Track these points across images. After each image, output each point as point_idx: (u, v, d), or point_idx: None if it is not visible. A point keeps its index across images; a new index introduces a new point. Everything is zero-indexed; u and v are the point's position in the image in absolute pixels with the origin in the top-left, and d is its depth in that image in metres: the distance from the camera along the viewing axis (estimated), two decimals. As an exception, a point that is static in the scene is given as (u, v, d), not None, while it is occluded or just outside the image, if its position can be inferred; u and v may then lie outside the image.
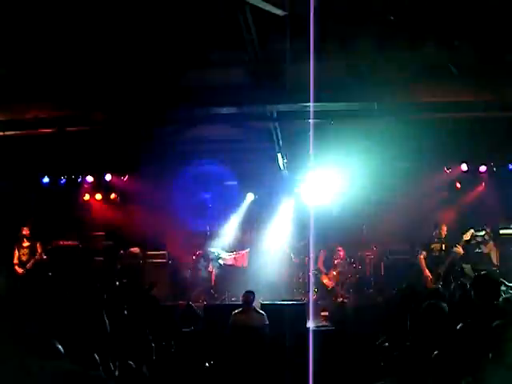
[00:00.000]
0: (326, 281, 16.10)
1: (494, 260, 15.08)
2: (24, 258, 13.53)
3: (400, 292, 6.81)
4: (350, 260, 16.58)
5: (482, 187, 16.62)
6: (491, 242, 15.15)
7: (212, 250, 17.35)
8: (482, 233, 15.15)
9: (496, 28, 7.93)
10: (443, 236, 14.24)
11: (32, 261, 13.64)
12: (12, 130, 11.55)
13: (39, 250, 13.77)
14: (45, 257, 13.98)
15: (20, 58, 9.06)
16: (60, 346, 3.45)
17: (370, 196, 16.56)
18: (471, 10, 7.74)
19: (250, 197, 18.01)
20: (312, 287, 16.17)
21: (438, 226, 14.43)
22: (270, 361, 10.49)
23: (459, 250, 13.75)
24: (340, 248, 16.74)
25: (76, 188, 17.18)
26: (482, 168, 15.74)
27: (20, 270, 13.40)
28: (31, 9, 8.10)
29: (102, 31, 8.25)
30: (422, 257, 14.11)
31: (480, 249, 15.09)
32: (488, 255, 15.10)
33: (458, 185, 16.66)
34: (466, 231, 14.39)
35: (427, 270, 13.85)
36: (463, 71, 9.69)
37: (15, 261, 13.44)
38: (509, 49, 8.83)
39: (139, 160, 15.98)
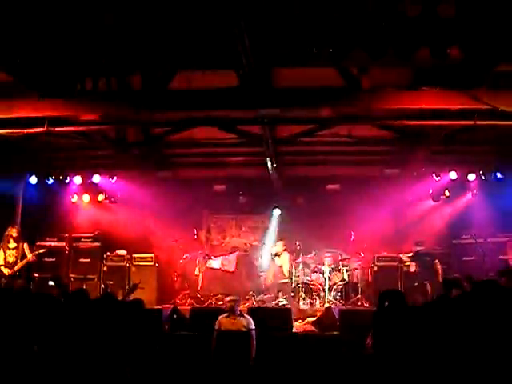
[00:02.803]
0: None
1: (286, 272, 15.61)
2: (11, 260, 13.35)
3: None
4: (338, 266, 16.57)
5: (470, 195, 16.66)
6: (286, 255, 15.69)
7: (199, 253, 17.32)
8: (279, 244, 15.81)
9: (488, 38, 7.93)
10: None
11: (22, 263, 13.46)
12: (0, 129, 11.46)
13: (28, 252, 13.60)
14: (34, 258, 13.83)
15: (9, 55, 8.97)
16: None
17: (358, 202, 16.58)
18: (463, 18, 7.73)
19: (239, 201, 17.99)
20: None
21: None
22: (255, 365, 10.45)
23: None
24: (328, 254, 16.74)
25: (64, 189, 17.08)
26: (471, 176, 15.75)
27: (7, 271, 13.22)
28: (26, 7, 8.05)
29: (92, 29, 8.18)
30: None
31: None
32: (280, 268, 15.69)
33: (447, 193, 16.69)
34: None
35: None
36: (454, 79, 9.70)
37: (0, 261, 13.23)
38: (500, 59, 8.84)
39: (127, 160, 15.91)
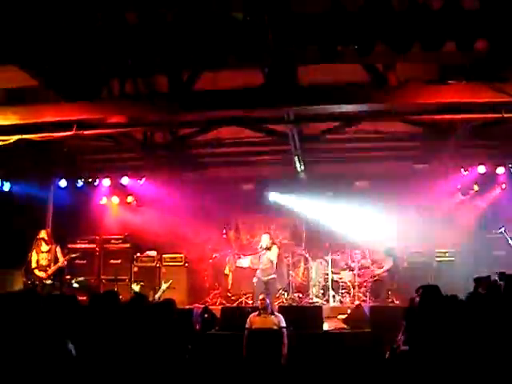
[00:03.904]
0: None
1: (274, 265, 14.88)
2: (44, 263, 13.47)
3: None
4: (367, 263, 16.55)
5: (500, 189, 16.51)
6: (275, 249, 14.98)
7: (229, 252, 17.38)
8: (266, 237, 15.14)
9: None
10: None
11: (56, 267, 13.58)
12: (29, 133, 11.58)
13: (61, 256, 13.75)
14: (66, 262, 13.97)
15: (36, 59, 9.08)
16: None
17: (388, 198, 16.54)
18: (488, 9, 7.68)
19: (267, 199, 17.99)
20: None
21: None
22: (287, 363, 10.46)
23: None
24: (357, 251, 16.72)
25: (93, 191, 17.23)
26: (500, 170, 15.58)
27: (41, 274, 13.34)
28: (52, 12, 8.14)
29: (117, 30, 8.24)
30: None
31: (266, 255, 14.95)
32: (272, 263, 14.80)
33: (476, 187, 16.55)
34: None
35: None
36: (480, 71, 9.64)
37: (33, 264, 13.36)
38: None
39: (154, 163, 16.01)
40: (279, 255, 15.64)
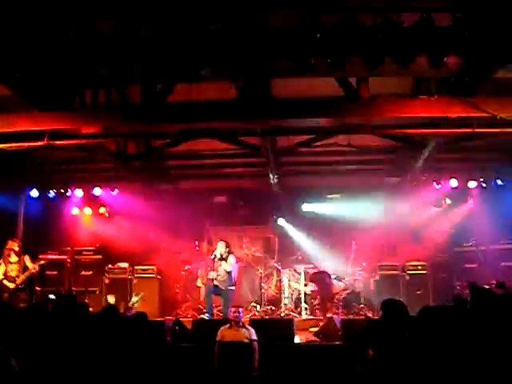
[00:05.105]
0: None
1: (233, 279, 14.35)
2: (13, 274, 13.26)
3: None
4: (339, 276, 16.56)
5: (472, 203, 16.65)
6: (232, 259, 14.32)
7: (201, 265, 17.29)
8: (221, 245, 14.40)
9: (484, 44, 7.96)
10: None
11: (25, 275, 13.36)
12: (0, 143, 11.47)
13: (30, 263, 13.54)
14: (35, 271, 13.72)
15: (8, 68, 9.02)
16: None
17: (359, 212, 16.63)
18: (460, 25, 7.77)
19: (240, 212, 17.99)
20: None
21: None
22: (258, 377, 10.41)
23: None
24: (329, 264, 16.74)
25: (65, 202, 17.12)
26: (472, 183, 15.74)
27: (10, 285, 13.14)
28: (24, 20, 8.09)
29: (90, 40, 8.21)
30: None
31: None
32: (228, 274, 14.18)
33: (448, 201, 16.70)
34: None
35: None
36: (451, 87, 9.73)
37: (0, 276, 13.15)
38: (496, 65, 8.85)
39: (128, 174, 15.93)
40: (244, 267, 15.68)
